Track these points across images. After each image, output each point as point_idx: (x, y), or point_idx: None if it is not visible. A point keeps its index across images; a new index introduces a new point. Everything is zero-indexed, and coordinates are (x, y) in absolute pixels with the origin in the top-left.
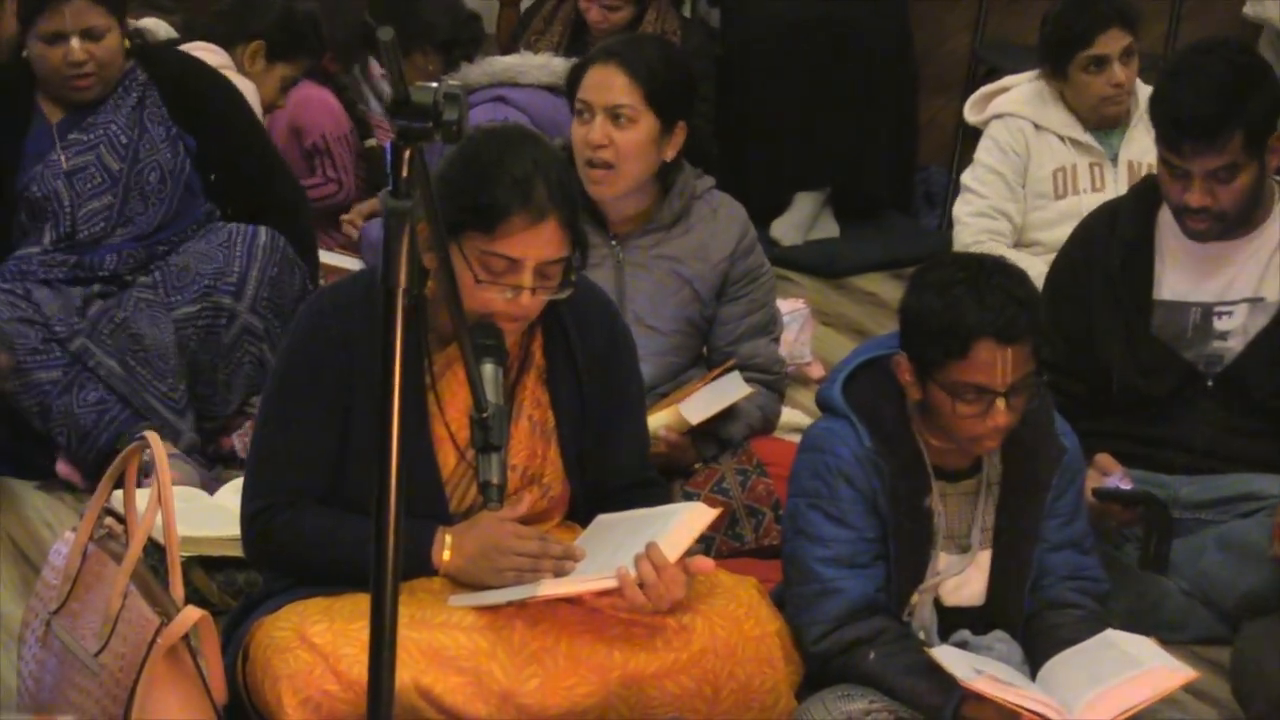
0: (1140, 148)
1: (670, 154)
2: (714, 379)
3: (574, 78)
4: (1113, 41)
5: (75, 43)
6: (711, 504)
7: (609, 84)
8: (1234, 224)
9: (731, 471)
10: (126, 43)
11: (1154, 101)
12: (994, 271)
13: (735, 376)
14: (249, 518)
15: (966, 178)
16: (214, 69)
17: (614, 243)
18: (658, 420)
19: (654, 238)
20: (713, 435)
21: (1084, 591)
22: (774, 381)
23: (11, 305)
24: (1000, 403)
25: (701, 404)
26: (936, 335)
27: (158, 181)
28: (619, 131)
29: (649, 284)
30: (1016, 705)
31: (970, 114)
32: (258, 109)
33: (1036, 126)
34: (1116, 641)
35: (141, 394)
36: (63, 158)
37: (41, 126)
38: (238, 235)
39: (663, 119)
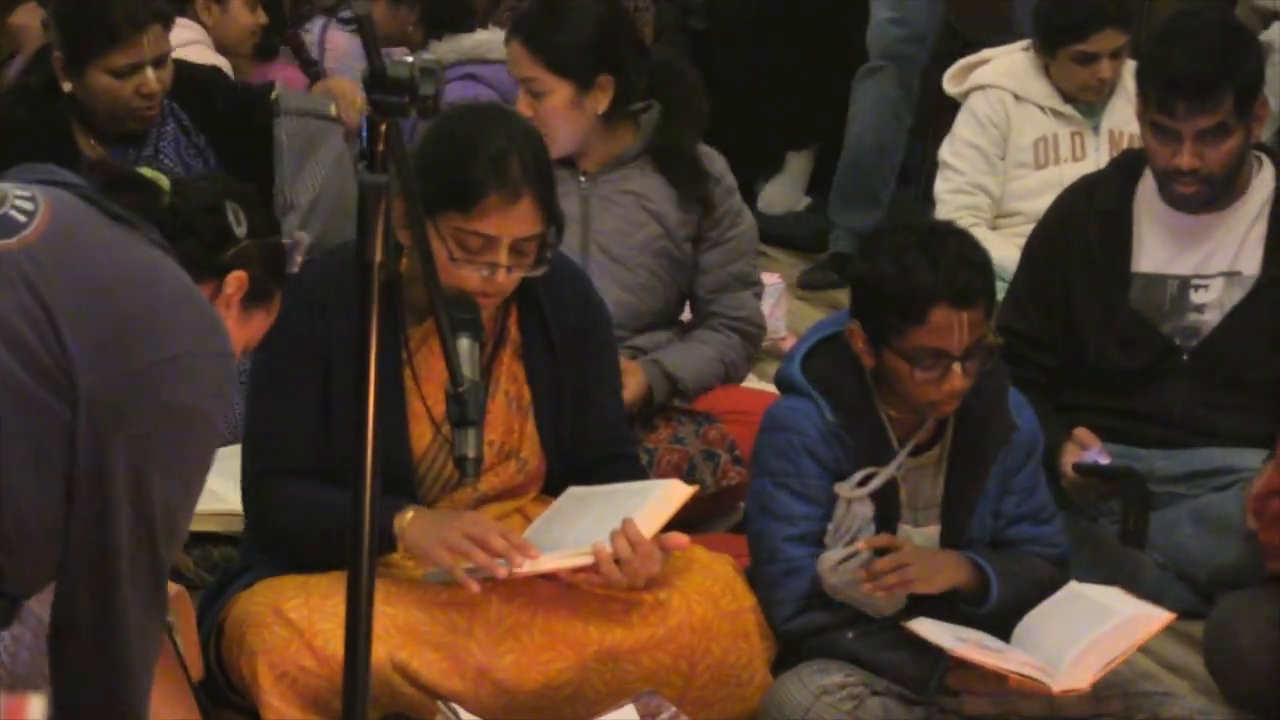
0: (1122, 117)
1: (601, 107)
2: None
3: None
4: (1106, 41)
5: (151, 73)
6: (669, 455)
7: (515, 60)
8: (1219, 191)
9: (684, 423)
10: None
11: (1145, 63)
12: (946, 235)
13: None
14: (245, 492)
15: (944, 153)
16: (229, 81)
17: (582, 179)
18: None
19: (622, 173)
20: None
21: (1038, 556)
22: (754, 335)
23: None
24: (956, 367)
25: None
26: (892, 301)
27: None
28: (537, 102)
29: (614, 217)
30: (1005, 669)
31: (950, 85)
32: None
33: (1017, 97)
34: (1086, 593)
35: None
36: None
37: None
38: None
39: (576, 80)
